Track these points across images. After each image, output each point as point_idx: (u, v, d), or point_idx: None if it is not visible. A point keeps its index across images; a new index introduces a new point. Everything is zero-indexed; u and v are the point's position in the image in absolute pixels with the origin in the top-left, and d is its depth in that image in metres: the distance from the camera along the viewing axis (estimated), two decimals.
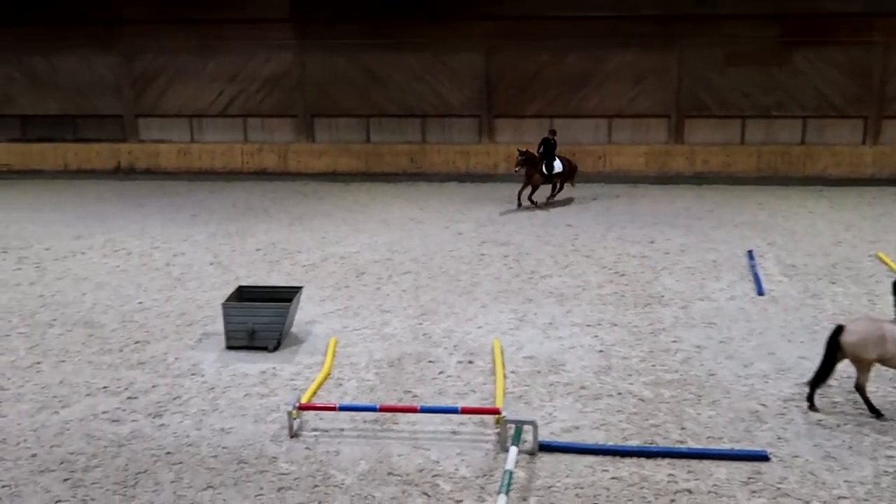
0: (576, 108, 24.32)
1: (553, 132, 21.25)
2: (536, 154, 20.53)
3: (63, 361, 12.22)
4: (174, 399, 11.02)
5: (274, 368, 11.85)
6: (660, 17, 23.36)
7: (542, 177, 20.62)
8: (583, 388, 11.12)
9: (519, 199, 20.82)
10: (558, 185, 21.59)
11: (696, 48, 23.58)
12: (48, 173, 25.62)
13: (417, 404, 10.34)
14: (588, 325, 13.24)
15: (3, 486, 9.10)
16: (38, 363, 12.18)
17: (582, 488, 8.81)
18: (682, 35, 23.51)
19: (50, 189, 23.96)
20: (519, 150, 20.44)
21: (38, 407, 10.86)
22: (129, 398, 11.05)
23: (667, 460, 9.30)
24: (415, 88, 24.57)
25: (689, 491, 8.72)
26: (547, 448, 9.54)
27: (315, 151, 25.07)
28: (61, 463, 9.53)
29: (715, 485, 8.82)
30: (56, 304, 14.58)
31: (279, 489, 8.96)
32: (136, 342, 12.86)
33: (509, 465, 8.65)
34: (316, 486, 8.99)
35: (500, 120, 24.75)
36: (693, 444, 9.66)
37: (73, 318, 13.90)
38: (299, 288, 13.25)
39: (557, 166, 20.79)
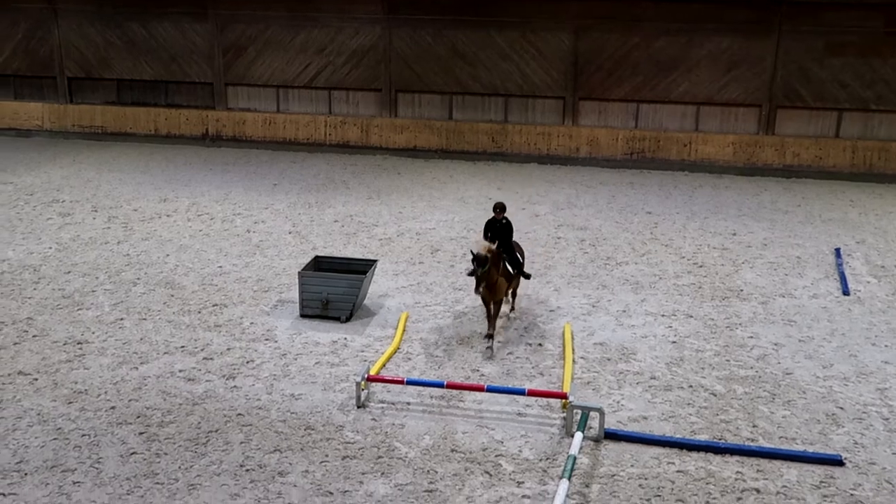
0: (663, 93, 23.75)
1: (501, 208, 12.06)
2: (495, 248, 11.42)
3: (144, 319, 12.63)
4: (247, 362, 11.28)
5: (345, 339, 12.01)
6: (757, 3, 22.58)
7: (507, 281, 12.00)
8: (653, 378, 10.93)
9: (491, 332, 11.72)
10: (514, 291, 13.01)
11: (795, 36, 22.72)
12: (139, 136, 26.39)
13: (484, 383, 10.34)
14: (662, 315, 12.99)
15: (83, 435, 9.49)
16: (121, 319, 12.62)
17: (646, 479, 8.69)
18: (781, 22, 22.68)
19: (140, 152, 24.70)
20: (473, 254, 11.28)
21: (119, 362, 11.27)
22: (204, 359, 11.36)
23: (735, 457, 9.09)
24: (500, 67, 24.37)
25: (757, 490, 8.51)
26: (613, 436, 9.44)
27: (397, 126, 25.16)
28: (138, 417, 9.88)
29: (784, 486, 8.58)
30: (140, 263, 15.06)
31: (344, 457, 9.10)
32: (214, 305, 13.19)
33: (573, 450, 8.59)
34: (380, 457, 9.10)
35: (584, 102, 24.38)
36: (764, 443, 9.41)
37: (155, 277, 14.34)
38: (374, 261, 13.37)
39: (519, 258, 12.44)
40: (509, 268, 11.91)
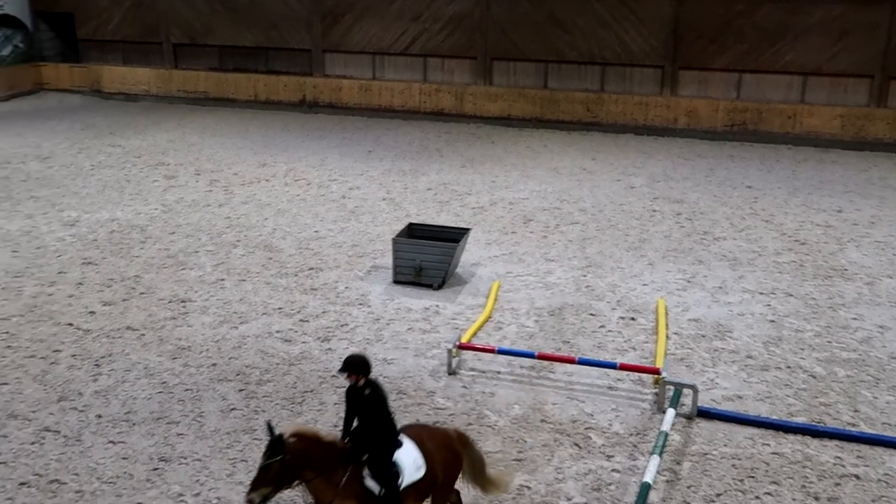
0: (767, 62, 22.86)
1: (359, 367, 6.59)
2: (327, 440, 6.53)
3: (244, 280, 13.04)
4: (342, 326, 11.53)
5: (437, 306, 12.13)
6: None
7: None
8: (749, 357, 10.68)
9: None
10: None
11: None
12: (240, 102, 27.03)
13: (576, 356, 10.30)
14: (761, 293, 12.64)
15: (186, 390, 9.91)
16: (222, 280, 13.06)
17: (739, 459, 8.54)
18: None
19: (240, 117, 25.32)
20: (270, 432, 6.25)
21: (220, 320, 11.68)
22: (300, 321, 11.66)
23: (835, 442, 8.84)
24: (598, 34, 23.91)
25: (857, 477, 8.26)
26: (706, 414, 9.29)
27: (491, 95, 25.03)
28: (237, 374, 10.25)
29: (886, 474, 8.30)
30: (240, 226, 15.51)
31: (434, 423, 9.23)
32: (311, 269, 13.50)
33: (665, 426, 8.50)
34: (470, 423, 9.20)
35: (684, 72, 23.71)
36: (866, 429, 9.11)
37: (255, 240, 14.76)
38: (467, 230, 13.42)
39: (408, 464, 6.66)
40: (370, 484, 6.51)
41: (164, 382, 10.05)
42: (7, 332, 11.20)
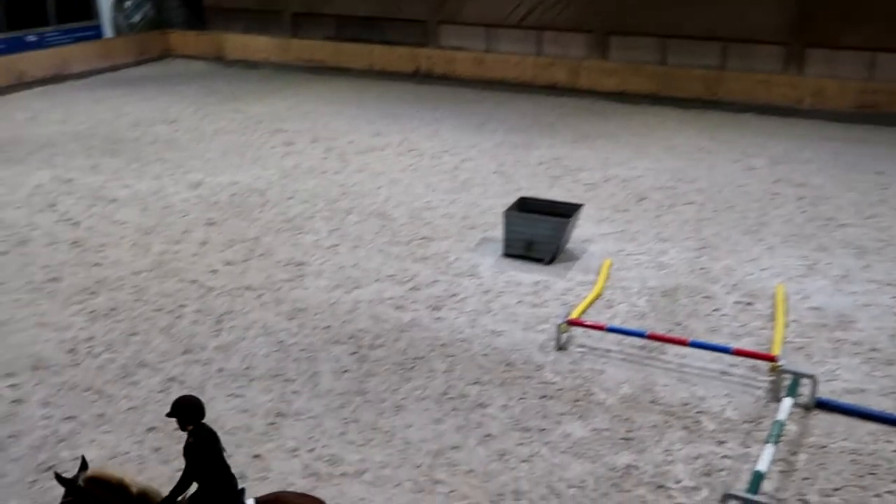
0: None
1: (185, 412, 5.94)
2: (134, 491, 5.86)
3: (357, 247, 13.31)
4: (452, 296, 11.65)
5: (547, 281, 12.10)
6: None
7: None
8: (874, 350, 10.24)
9: None
10: None
11: None
12: (355, 72, 27.43)
13: (688, 338, 10.10)
14: (889, 284, 12.04)
15: (302, 350, 10.24)
16: (337, 246, 13.37)
17: (859, 455, 8.23)
18: None
19: (355, 87, 25.69)
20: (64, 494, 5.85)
21: (335, 285, 11.99)
22: (412, 289, 11.85)
23: None
24: (719, 9, 23.05)
25: None
26: (825, 406, 8.98)
27: (607, 70, 24.57)
28: (350, 337, 10.52)
29: None
30: (355, 194, 15.81)
31: (542, 396, 9.26)
32: (422, 238, 13.67)
33: (781, 415, 8.27)
34: (577, 400, 9.19)
35: (812, 50, 22.65)
36: None
37: (368, 208, 15.03)
38: (579, 205, 13.29)
39: None
40: None
41: (281, 342, 10.41)
42: (137, 287, 11.81)
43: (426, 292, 11.74)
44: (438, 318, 11.01)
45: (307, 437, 8.55)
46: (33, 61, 25.92)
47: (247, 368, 9.80)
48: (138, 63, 28.87)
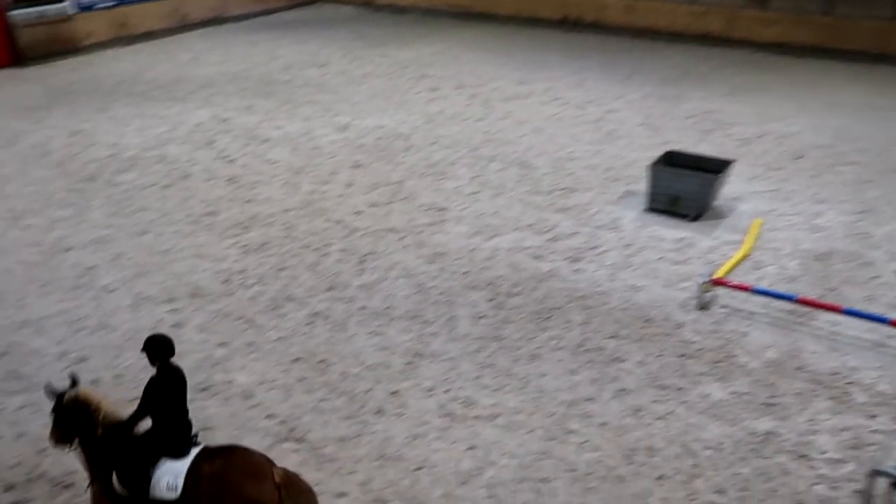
0: None
1: (154, 347, 6.01)
2: (103, 414, 6.04)
3: (498, 195, 13.33)
4: (592, 248, 11.52)
5: (691, 238, 11.76)
6: None
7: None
8: None
9: None
10: None
11: None
12: (501, 18, 27.16)
13: (842, 305, 9.60)
14: None
15: (441, 293, 10.43)
16: (477, 193, 13.44)
17: None
18: None
19: (502, 33, 25.45)
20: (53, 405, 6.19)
21: (474, 231, 12.08)
22: (551, 239, 11.79)
23: None
24: None
25: None
26: None
27: (767, 20, 23.24)
28: (488, 284, 10.61)
29: None
30: (497, 141, 15.78)
31: (681, 355, 9.08)
32: (563, 188, 13.53)
33: None
34: (718, 361, 8.95)
35: None
36: None
37: (510, 156, 14.98)
38: (730, 161, 12.76)
39: (165, 477, 5.82)
40: (115, 483, 5.92)
41: (421, 284, 10.63)
42: (287, 224, 12.31)
43: (565, 243, 11.66)
44: (577, 270, 10.92)
45: (443, 378, 8.75)
46: (196, 4, 27.09)
47: (387, 308, 10.08)
48: (291, 7, 29.67)
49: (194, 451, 5.89)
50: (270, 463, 5.84)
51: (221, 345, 9.34)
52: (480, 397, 8.43)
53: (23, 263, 11.12)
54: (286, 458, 7.53)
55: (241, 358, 9.10)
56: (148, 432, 5.92)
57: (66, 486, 7.24)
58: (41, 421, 7.84)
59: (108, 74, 20.63)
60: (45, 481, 7.31)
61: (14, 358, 9.00)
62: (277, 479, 5.66)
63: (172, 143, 15.63)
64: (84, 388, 6.12)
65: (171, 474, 5.73)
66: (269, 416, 8.15)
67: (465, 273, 10.92)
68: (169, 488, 5.70)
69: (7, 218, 12.43)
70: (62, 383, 6.36)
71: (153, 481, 5.72)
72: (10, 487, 7.22)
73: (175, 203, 13.02)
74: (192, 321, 9.81)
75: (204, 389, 8.49)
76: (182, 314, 9.96)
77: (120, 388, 8.51)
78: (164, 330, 9.54)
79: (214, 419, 8.07)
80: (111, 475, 5.87)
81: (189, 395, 8.23)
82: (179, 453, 5.84)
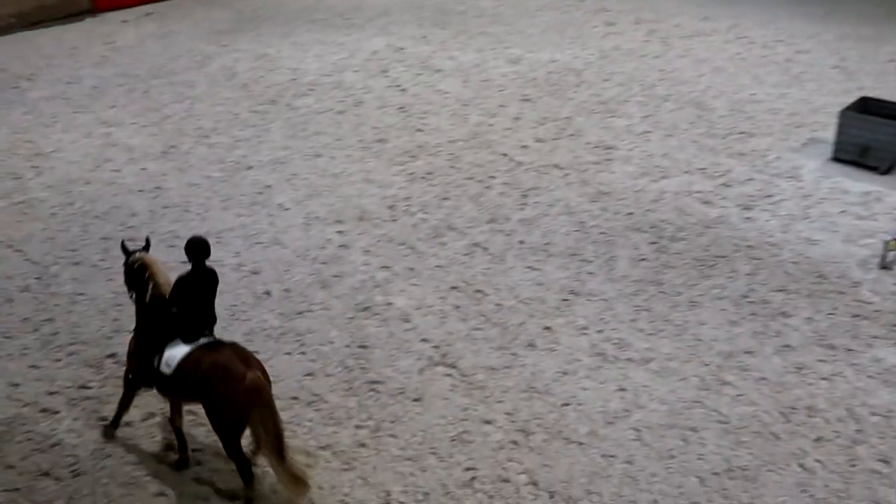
0: None
1: (193, 263, 6.56)
2: (156, 281, 6.72)
3: (670, 136, 12.87)
4: (766, 196, 10.96)
5: (879, 192, 10.93)
6: None
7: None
8: None
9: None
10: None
11: None
12: None
13: None
14: None
15: (601, 233, 10.28)
16: (648, 132, 13.02)
17: None
18: None
19: None
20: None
21: (641, 172, 11.76)
22: (722, 185, 11.30)
23: None
24: None
25: None
26: None
27: None
28: (651, 227, 10.35)
29: None
30: (673, 80, 15.15)
31: (854, 315, 8.58)
32: (741, 133, 12.86)
33: None
34: (895, 325, 8.38)
35: None
36: None
37: (686, 96, 14.36)
38: None
39: (169, 355, 6.53)
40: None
41: (582, 222, 10.51)
42: (453, 154, 12.45)
43: (738, 190, 11.14)
44: (748, 219, 10.44)
45: (597, 317, 8.68)
46: None
47: (546, 244, 10.06)
48: None
49: (202, 341, 6.51)
50: (252, 367, 6.19)
51: (383, 268, 9.67)
52: (634, 340, 8.32)
53: (208, 179, 11.89)
54: (437, 382, 7.78)
55: (402, 282, 9.40)
56: (174, 315, 6.54)
57: None
58: (218, 325, 8.45)
59: (291, 0, 21.35)
60: None
61: None
62: (248, 384, 6.04)
63: (349, 70, 16.05)
64: (148, 256, 6.79)
65: (173, 354, 6.45)
66: (423, 340, 8.41)
67: (628, 214, 10.69)
68: (167, 365, 6.45)
69: (196, 135, 13.28)
70: (138, 244, 7.10)
71: (163, 356, 6.49)
72: None
73: (348, 128, 13.44)
74: (358, 243, 10.19)
75: (364, 309, 8.86)
76: (348, 236, 10.36)
77: (287, 302, 9.02)
78: (330, 251, 9.99)
79: (371, 339, 8.42)
80: (146, 334, 6.69)
81: (349, 315, 8.64)
82: (189, 339, 6.49)
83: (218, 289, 6.71)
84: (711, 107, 13.85)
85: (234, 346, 6.49)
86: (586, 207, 10.87)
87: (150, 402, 7.42)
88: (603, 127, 13.26)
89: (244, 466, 6.33)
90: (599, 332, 8.47)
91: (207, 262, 6.56)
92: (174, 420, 6.83)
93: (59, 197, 11.33)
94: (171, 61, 16.50)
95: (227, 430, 6.22)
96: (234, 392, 6.04)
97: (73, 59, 16.67)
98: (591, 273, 9.46)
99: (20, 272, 9.55)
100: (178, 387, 6.43)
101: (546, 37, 17.88)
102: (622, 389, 7.70)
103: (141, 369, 6.73)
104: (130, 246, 6.97)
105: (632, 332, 8.46)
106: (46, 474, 6.79)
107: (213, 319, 6.74)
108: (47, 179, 11.82)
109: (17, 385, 7.76)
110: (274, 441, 6.12)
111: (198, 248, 6.45)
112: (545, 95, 14.60)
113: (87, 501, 6.55)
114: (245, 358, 6.30)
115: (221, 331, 7.84)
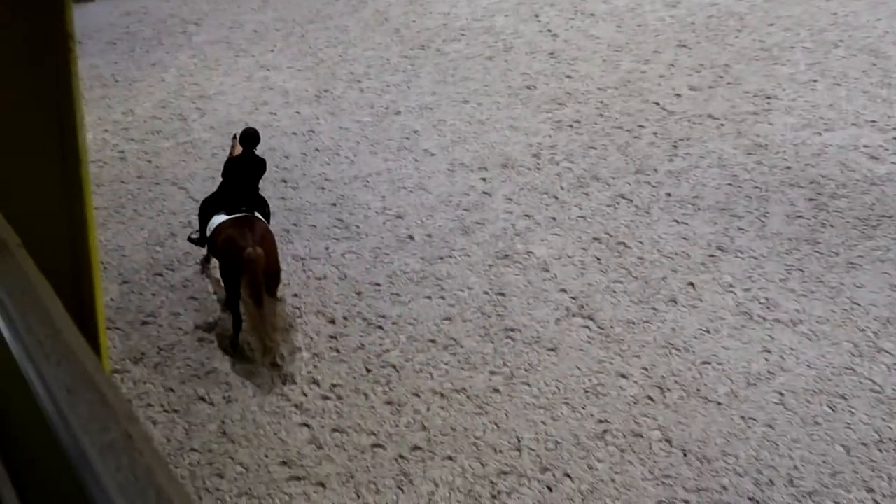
0: None
1: (242, 149, 8.09)
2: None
3: (838, 85, 12.03)
4: None
5: None
6: None
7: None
8: None
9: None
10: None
11: None
12: None
13: None
14: None
15: (755, 187, 9.83)
16: (814, 81, 12.22)
17: None
18: None
19: None
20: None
21: (804, 124, 11.09)
22: (894, 139, 10.50)
23: None
24: None
25: None
26: None
27: None
28: (811, 182, 9.79)
29: None
30: (846, 25, 14.08)
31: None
32: None
33: None
34: None
35: None
36: None
37: (859, 42, 13.33)
38: None
39: (214, 221, 8.09)
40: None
41: (735, 175, 10.07)
42: (601, 102, 12.16)
43: None
44: None
45: (745, 275, 8.36)
46: None
47: (695, 197, 9.72)
48: None
49: (237, 215, 7.66)
50: (254, 245, 7.27)
51: (525, 216, 9.65)
52: (783, 301, 7.97)
53: (358, 123, 12.18)
54: (574, 334, 7.76)
55: (543, 231, 9.36)
56: (222, 189, 8.03)
57: (379, 327, 8.09)
58: (362, 266, 8.76)
59: None
60: (360, 319, 8.22)
61: (343, 208, 10.03)
62: (244, 256, 7.21)
63: (500, 14, 15.90)
64: (239, 146, 8.05)
65: (213, 222, 7.77)
66: (561, 290, 8.38)
67: (786, 168, 10.14)
68: (209, 229, 7.86)
69: (348, 80, 13.59)
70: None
71: (210, 222, 7.85)
72: (331, 321, 8.23)
73: (496, 74, 13.37)
74: (501, 191, 10.20)
75: (504, 257, 8.90)
76: (492, 183, 10.38)
77: (429, 247, 9.19)
78: (473, 198, 10.06)
79: (510, 286, 8.47)
80: (207, 203, 8.22)
81: (489, 262, 8.71)
82: (229, 211, 7.71)
83: (264, 176, 8.15)
84: (888, 54, 12.80)
85: (252, 225, 7.61)
86: (740, 160, 10.39)
87: (298, 337, 7.81)
88: (764, 75, 12.54)
89: (235, 319, 7.66)
90: (746, 290, 8.16)
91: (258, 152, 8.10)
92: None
93: (220, 138, 11.93)
94: (327, 6, 16.87)
95: (227, 287, 7.66)
96: (232, 261, 7.40)
97: (236, 5, 17.35)
98: (741, 229, 9.08)
99: (184, 209, 10.18)
100: (211, 248, 7.95)
101: None
102: (767, 351, 7.43)
103: (200, 231, 8.22)
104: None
105: (781, 292, 8.09)
106: (202, 399, 7.31)
107: (256, 199, 8.03)
108: (210, 120, 12.45)
109: (178, 314, 8.35)
110: (253, 306, 7.30)
111: (250, 138, 7.91)
112: (703, 41, 13.94)
113: (238, 426, 7.01)
114: (255, 237, 7.44)
115: (364, 272, 8.09)
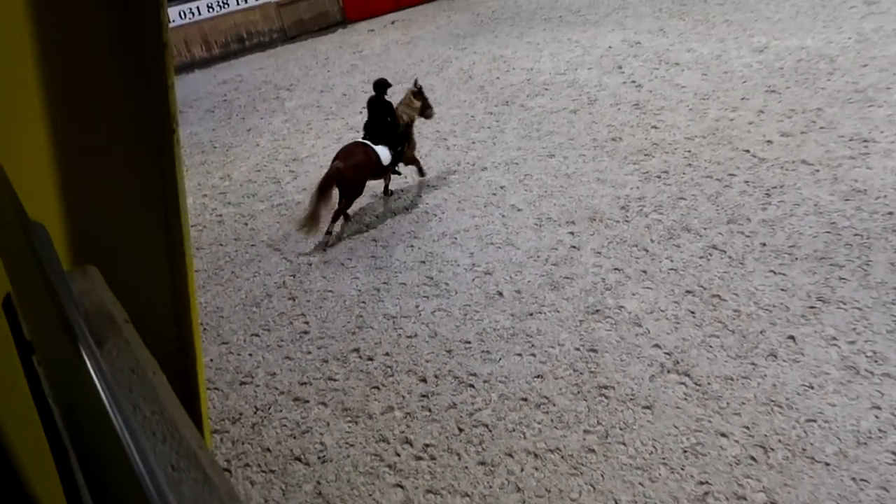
0: None
1: (374, 94, 11.36)
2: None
3: None
4: None
5: None
6: None
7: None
8: None
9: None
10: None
11: None
12: None
13: None
14: None
15: (856, 235, 9.46)
16: None
17: None
18: None
19: None
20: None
21: None
22: None
23: None
24: None
25: None
26: None
27: None
28: None
29: None
30: None
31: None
32: None
33: None
34: None
35: None
36: None
37: None
38: None
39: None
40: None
41: (833, 223, 9.74)
42: (690, 152, 12.01)
43: None
44: None
45: (849, 327, 8.02)
46: None
47: (791, 247, 9.43)
48: None
49: (358, 139, 10.94)
50: (344, 161, 10.36)
51: (615, 270, 9.55)
52: (892, 353, 7.59)
53: (445, 180, 12.34)
54: (670, 390, 7.57)
55: (634, 285, 9.22)
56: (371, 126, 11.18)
57: (470, 385, 8.08)
58: (452, 324, 8.79)
59: (527, 1, 21.58)
60: (451, 377, 8.22)
61: (432, 266, 10.13)
62: (329, 170, 10.27)
63: (582, 67, 15.97)
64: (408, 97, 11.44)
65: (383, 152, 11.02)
66: (655, 346, 8.21)
67: (888, 213, 9.75)
68: (384, 158, 11.08)
69: (435, 138, 13.83)
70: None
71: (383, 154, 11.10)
72: (422, 380, 8.26)
73: (581, 127, 13.38)
74: (589, 245, 10.13)
75: (595, 312, 8.80)
76: (580, 237, 10.33)
77: (518, 303, 9.17)
78: (562, 252, 10.02)
79: (602, 342, 8.35)
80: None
81: (579, 317, 8.64)
82: (364, 137, 11.03)
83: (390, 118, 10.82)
84: None
85: (353, 147, 10.65)
86: (838, 207, 10.05)
87: (390, 396, 7.86)
88: (859, 118, 12.18)
89: (314, 209, 10.22)
90: (851, 343, 7.82)
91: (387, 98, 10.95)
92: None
93: None
94: (413, 66, 17.28)
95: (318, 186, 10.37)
96: (328, 171, 10.27)
97: (326, 69, 17.95)
98: (842, 279, 8.74)
99: (278, 270, 10.46)
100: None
101: (795, 21, 16.74)
102: (877, 407, 7.06)
103: None
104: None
105: (889, 344, 7.72)
106: (298, 459, 7.40)
107: (380, 132, 10.92)
108: (302, 182, 12.83)
109: (273, 374, 8.52)
110: (314, 195, 10.11)
111: (379, 86, 10.76)
112: (793, 85, 13.67)
113: (333, 487, 7.07)
114: (349, 156, 10.43)
115: (454, 330, 8.13)
